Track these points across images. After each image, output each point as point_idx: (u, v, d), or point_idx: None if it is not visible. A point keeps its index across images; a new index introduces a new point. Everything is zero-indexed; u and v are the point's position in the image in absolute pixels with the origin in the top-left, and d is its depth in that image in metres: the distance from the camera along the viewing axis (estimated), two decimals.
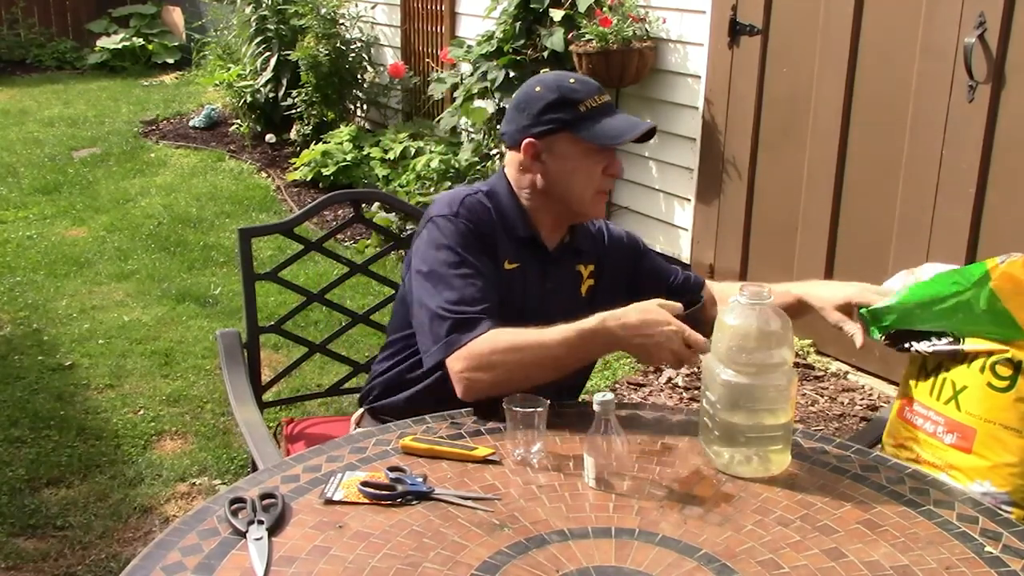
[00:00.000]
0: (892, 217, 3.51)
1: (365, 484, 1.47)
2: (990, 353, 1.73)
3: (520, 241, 1.92)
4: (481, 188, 1.95)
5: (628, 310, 1.67)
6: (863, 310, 1.97)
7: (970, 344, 1.75)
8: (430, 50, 6.51)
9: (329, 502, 1.45)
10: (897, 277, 1.93)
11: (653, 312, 1.65)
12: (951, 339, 1.78)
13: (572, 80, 1.91)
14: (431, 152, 5.58)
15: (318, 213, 2.39)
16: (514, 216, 1.92)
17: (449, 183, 5.20)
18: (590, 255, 2.02)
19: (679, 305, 1.68)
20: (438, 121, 5.93)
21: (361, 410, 2.10)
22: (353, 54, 6.73)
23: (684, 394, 3.66)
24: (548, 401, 1.61)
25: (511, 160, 1.95)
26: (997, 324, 1.71)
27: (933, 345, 1.81)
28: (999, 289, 1.69)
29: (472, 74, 5.06)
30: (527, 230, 1.92)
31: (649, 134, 1.92)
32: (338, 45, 6.56)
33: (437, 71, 5.95)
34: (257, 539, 1.34)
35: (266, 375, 2.54)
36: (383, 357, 2.06)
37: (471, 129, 5.67)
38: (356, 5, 6.95)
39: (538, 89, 1.91)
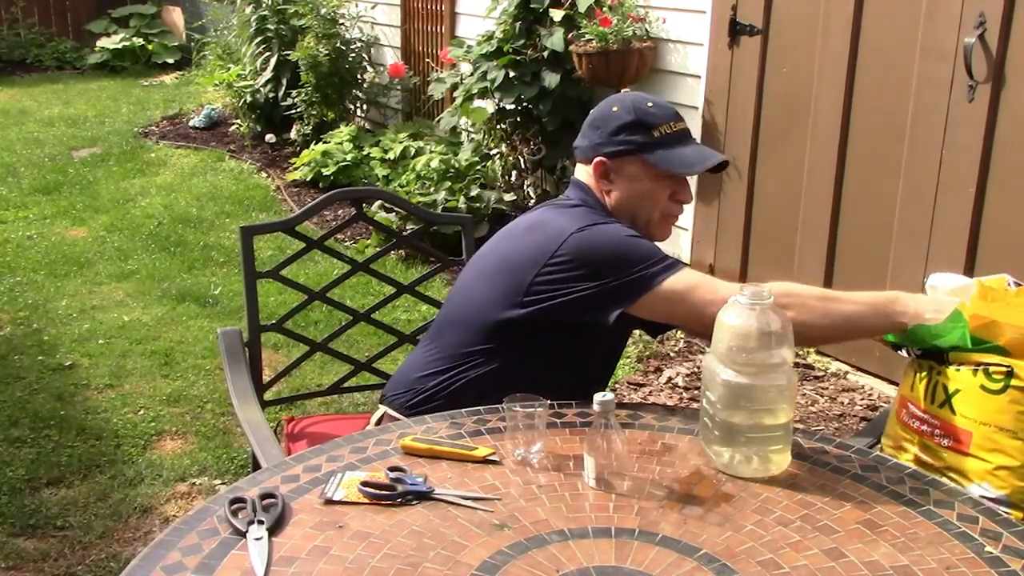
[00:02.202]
0: (892, 217, 3.50)
1: (365, 484, 1.47)
2: (978, 363, 1.74)
3: None
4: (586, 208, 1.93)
5: (919, 297, 1.74)
6: None
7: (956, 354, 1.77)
8: (430, 50, 6.51)
9: (329, 502, 1.45)
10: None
11: (946, 304, 1.70)
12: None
13: (650, 104, 1.92)
14: (431, 152, 5.59)
15: (319, 212, 2.40)
16: None
17: (449, 183, 5.20)
18: None
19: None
20: (438, 121, 5.93)
21: (382, 410, 2.05)
22: (353, 54, 6.73)
23: (684, 394, 3.66)
24: (548, 401, 1.61)
25: (585, 175, 1.96)
26: (982, 348, 1.74)
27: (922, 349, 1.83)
28: (975, 329, 1.73)
29: (472, 74, 5.06)
30: None
31: (722, 166, 1.95)
32: (338, 45, 6.56)
33: (437, 71, 5.95)
34: (257, 539, 1.34)
35: (266, 375, 2.54)
36: (446, 367, 1.95)
37: (471, 129, 5.67)
38: (356, 5, 6.95)
39: (615, 109, 1.92)
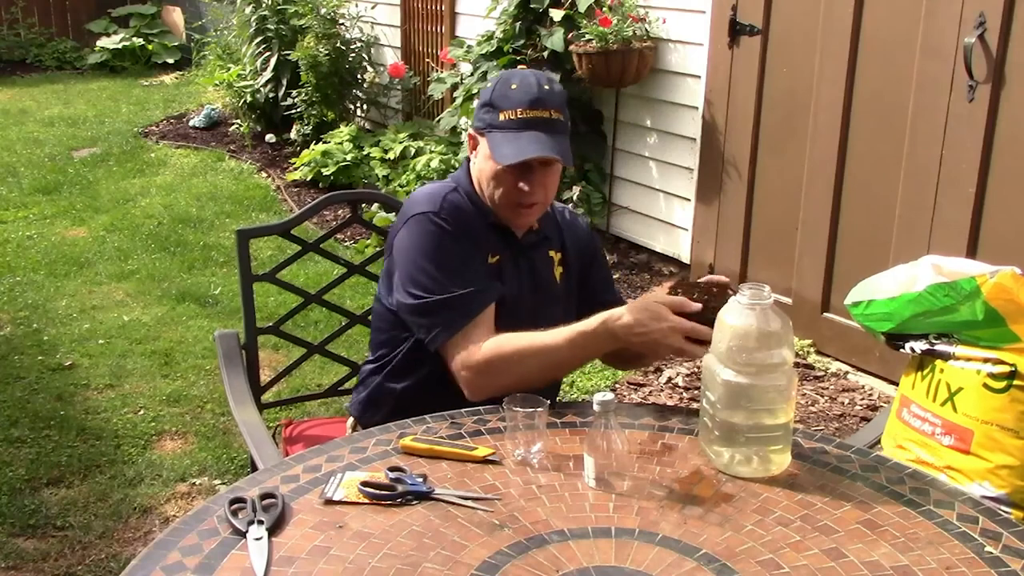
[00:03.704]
0: (892, 217, 3.51)
1: (365, 484, 1.47)
2: (984, 360, 1.74)
3: (494, 230, 1.91)
4: (448, 184, 1.94)
5: (626, 309, 1.68)
6: (857, 315, 1.98)
7: (962, 350, 1.77)
8: (430, 50, 6.51)
9: (329, 502, 1.45)
10: (898, 269, 1.94)
11: (651, 309, 1.65)
12: (947, 338, 1.79)
13: (514, 85, 1.85)
14: (431, 152, 5.58)
15: (316, 214, 2.40)
16: (480, 205, 1.91)
17: None
18: (556, 241, 2.01)
19: (683, 300, 1.66)
20: (438, 121, 5.93)
21: (352, 419, 2.09)
22: (353, 54, 6.73)
23: (684, 394, 3.66)
24: (548, 401, 1.61)
25: None
26: (992, 330, 1.73)
27: (928, 344, 1.82)
28: (993, 300, 1.72)
29: (472, 74, 5.06)
30: (494, 217, 1.91)
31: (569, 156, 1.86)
32: (338, 45, 6.56)
33: (437, 71, 5.95)
34: (257, 539, 1.34)
35: (267, 375, 2.54)
36: (367, 375, 2.04)
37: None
38: (356, 5, 6.95)
39: (489, 84, 1.90)
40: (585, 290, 2.03)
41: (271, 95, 7.06)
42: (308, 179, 6.21)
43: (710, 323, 1.60)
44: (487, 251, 1.89)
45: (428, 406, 1.74)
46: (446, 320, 1.79)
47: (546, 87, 1.84)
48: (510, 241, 1.93)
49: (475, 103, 1.92)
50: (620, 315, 1.68)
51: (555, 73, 4.66)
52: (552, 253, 1.99)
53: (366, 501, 1.45)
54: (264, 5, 7.06)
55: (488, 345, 1.76)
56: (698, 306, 1.64)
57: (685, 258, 4.50)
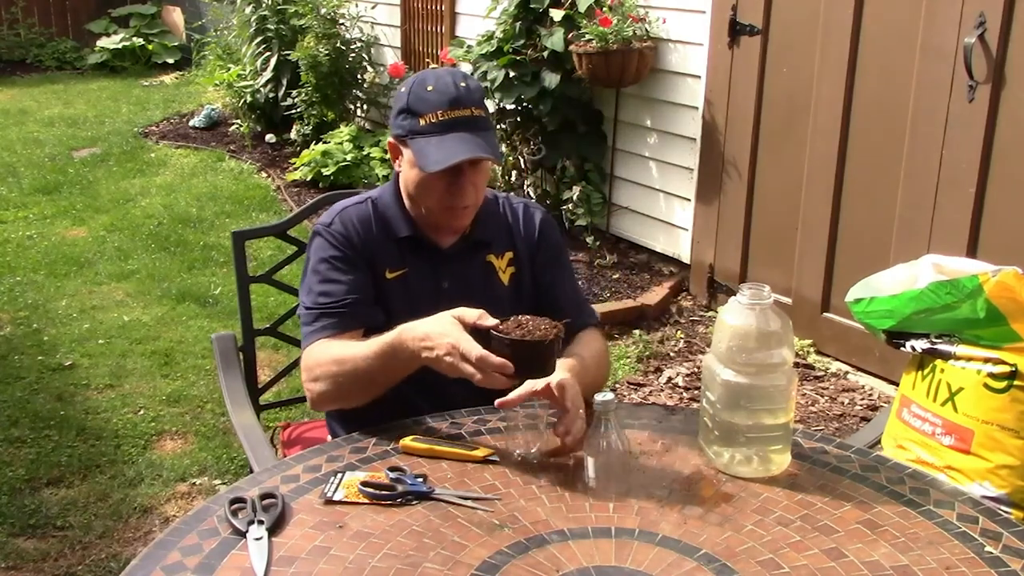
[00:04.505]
0: (892, 217, 3.51)
1: (365, 484, 1.47)
2: (985, 360, 1.74)
3: (405, 243, 1.87)
4: (371, 194, 1.93)
5: (421, 322, 1.61)
6: (858, 312, 1.98)
7: (963, 349, 1.77)
8: (430, 50, 6.51)
9: (329, 502, 1.45)
10: (899, 268, 1.94)
11: (440, 324, 1.57)
12: (948, 337, 1.80)
13: (430, 87, 1.79)
14: None
15: (314, 213, 2.40)
16: (395, 217, 1.88)
17: None
18: (503, 244, 1.94)
19: (476, 313, 1.56)
20: None
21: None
22: (353, 54, 6.73)
23: (684, 394, 3.66)
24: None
25: None
26: (994, 329, 1.73)
27: (930, 343, 1.82)
28: (995, 298, 1.72)
29: (472, 74, 5.06)
30: (409, 229, 1.87)
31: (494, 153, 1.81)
32: (338, 45, 6.56)
33: None
34: (257, 539, 1.34)
35: (267, 375, 2.54)
36: None
37: None
38: (356, 5, 6.95)
39: (403, 89, 1.84)
40: (542, 291, 1.95)
41: (271, 95, 7.06)
42: (308, 179, 6.21)
43: (525, 358, 1.49)
44: (385, 266, 1.86)
45: (390, 417, 1.73)
46: (307, 331, 1.81)
47: (463, 84, 1.79)
48: (427, 251, 1.88)
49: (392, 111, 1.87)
50: (414, 326, 1.61)
51: (555, 73, 4.67)
52: (494, 258, 1.92)
53: (366, 501, 1.45)
54: (264, 5, 7.06)
55: (312, 351, 1.77)
56: (494, 322, 1.53)
57: (685, 258, 4.50)
